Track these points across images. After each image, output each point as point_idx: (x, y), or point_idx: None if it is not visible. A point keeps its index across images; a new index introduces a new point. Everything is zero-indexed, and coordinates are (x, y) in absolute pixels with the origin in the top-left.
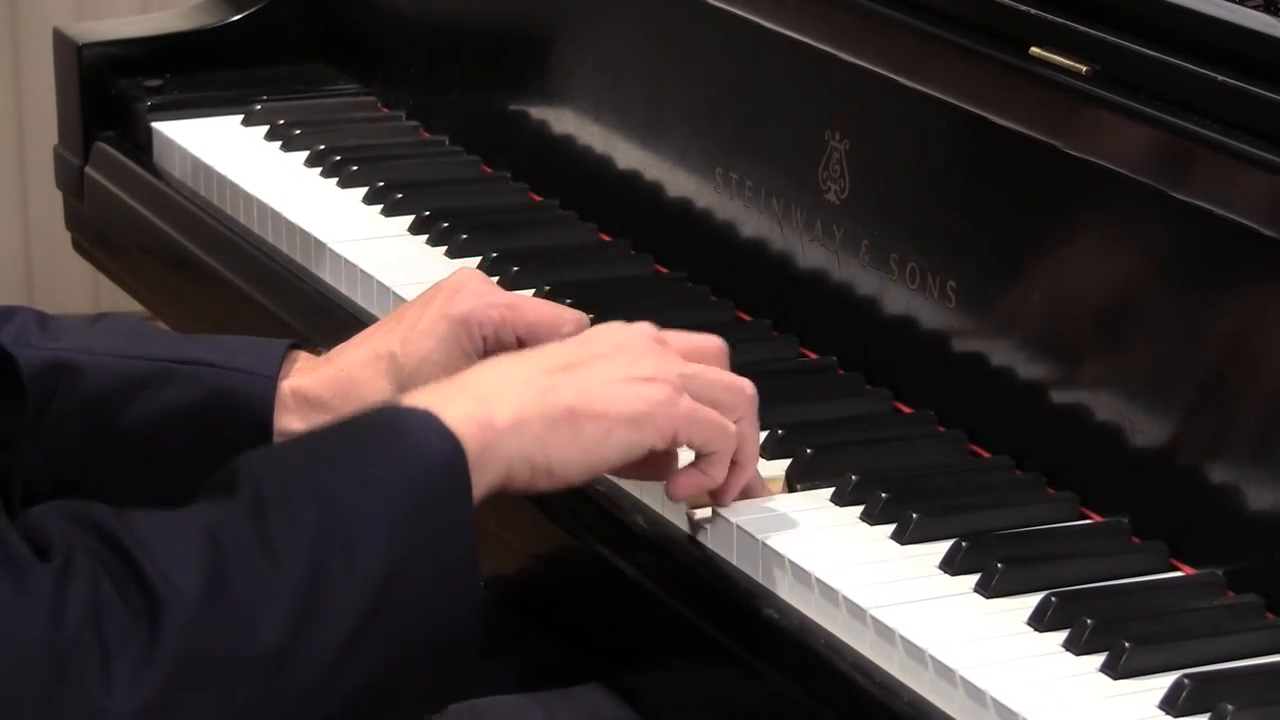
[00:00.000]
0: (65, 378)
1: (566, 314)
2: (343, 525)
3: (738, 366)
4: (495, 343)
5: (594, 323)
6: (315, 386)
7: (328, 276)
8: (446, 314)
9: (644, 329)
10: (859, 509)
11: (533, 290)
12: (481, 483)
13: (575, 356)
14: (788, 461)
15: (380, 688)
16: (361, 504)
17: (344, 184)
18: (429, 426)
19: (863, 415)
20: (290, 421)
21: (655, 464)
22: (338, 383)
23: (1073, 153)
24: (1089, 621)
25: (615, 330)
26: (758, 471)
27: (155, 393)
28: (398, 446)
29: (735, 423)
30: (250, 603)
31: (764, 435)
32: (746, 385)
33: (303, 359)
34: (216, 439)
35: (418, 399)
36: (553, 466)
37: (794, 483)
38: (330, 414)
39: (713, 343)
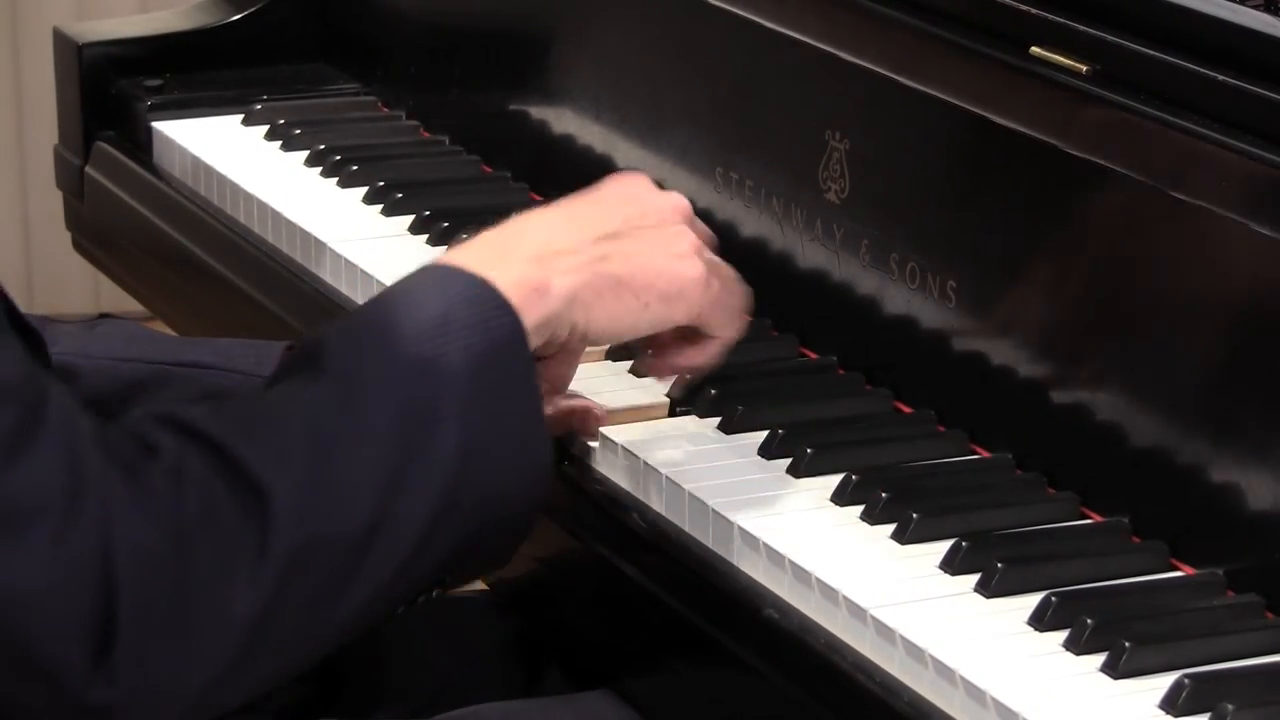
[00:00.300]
0: (66, 383)
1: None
2: (425, 395)
3: (738, 367)
4: None
5: None
6: None
7: (328, 276)
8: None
9: (680, 201)
10: (859, 509)
11: None
12: (535, 342)
13: (620, 222)
14: (788, 461)
15: (464, 550)
16: (440, 375)
17: (344, 183)
18: (491, 299)
19: (863, 415)
20: None
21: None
22: None
23: (1073, 152)
24: (1089, 621)
25: (653, 195)
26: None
27: (153, 395)
28: (467, 326)
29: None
30: (347, 484)
31: (764, 435)
32: (746, 287)
33: None
34: None
35: (466, 261)
36: (589, 330)
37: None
38: None
39: (711, 234)
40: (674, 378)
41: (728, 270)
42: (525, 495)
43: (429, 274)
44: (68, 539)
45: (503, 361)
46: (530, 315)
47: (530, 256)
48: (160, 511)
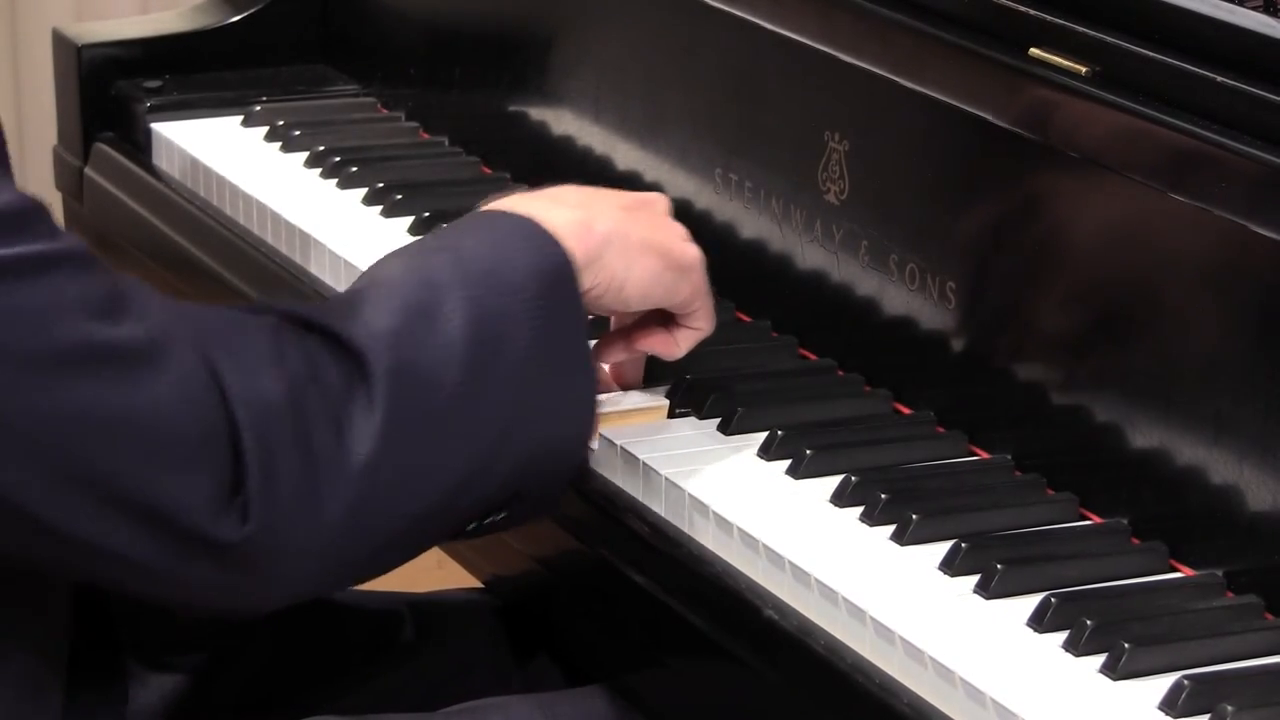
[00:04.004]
0: None
1: None
2: (491, 299)
3: (737, 368)
4: None
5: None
6: None
7: (327, 277)
8: None
9: (666, 198)
10: (859, 510)
11: None
12: (582, 280)
13: (631, 201)
14: (788, 462)
15: (527, 465)
16: (506, 285)
17: (343, 185)
18: (539, 232)
19: (862, 416)
20: None
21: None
22: None
23: (1072, 153)
24: (1088, 622)
25: (648, 194)
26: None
27: None
28: (522, 245)
29: None
30: (432, 352)
31: (764, 436)
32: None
33: None
34: None
35: (517, 206)
36: (625, 287)
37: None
38: None
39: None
40: (640, 368)
41: (703, 259)
42: (570, 429)
43: (476, 215)
44: (185, 379)
45: (557, 285)
46: (579, 251)
47: (576, 204)
48: (267, 365)
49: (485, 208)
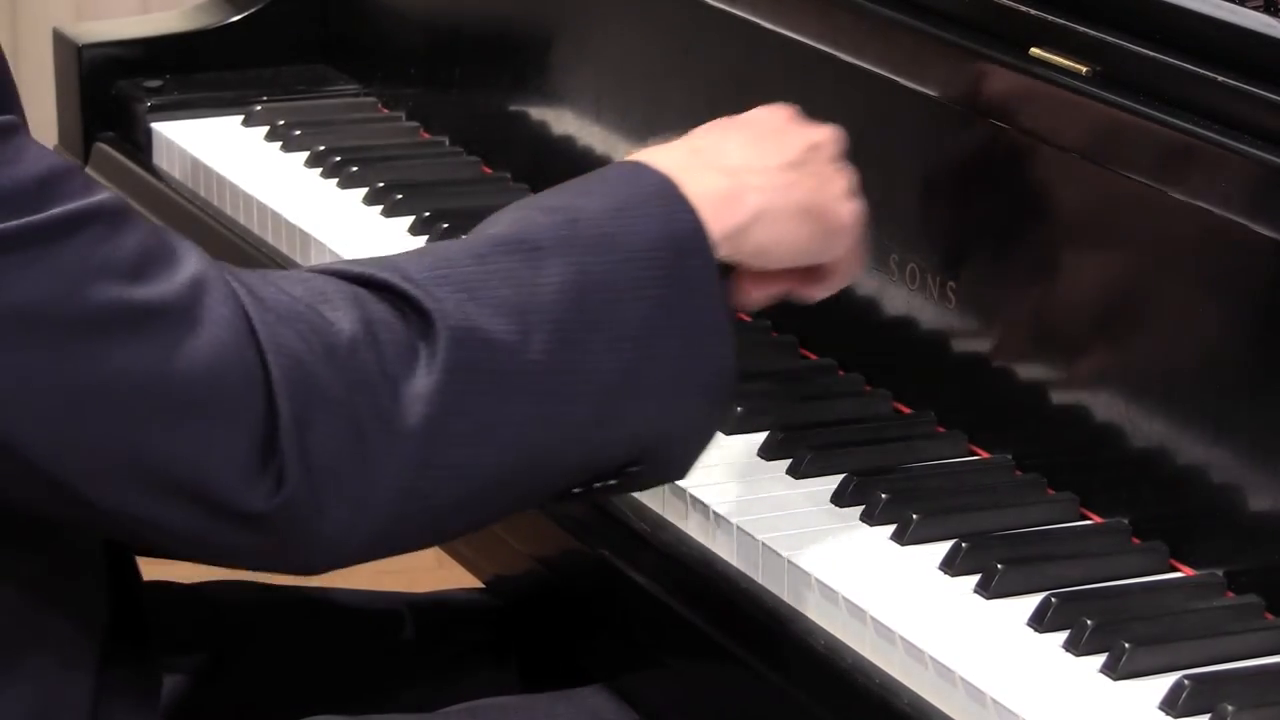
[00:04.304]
0: None
1: None
2: (599, 264)
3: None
4: None
5: None
6: None
7: None
8: None
9: (836, 134)
10: (859, 509)
11: None
12: (722, 251)
13: (800, 153)
14: (788, 462)
15: (644, 435)
16: (617, 251)
17: (344, 185)
18: (674, 196)
19: (863, 416)
20: None
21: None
22: None
23: (1073, 153)
24: (1089, 622)
25: (814, 128)
26: None
27: None
28: (648, 210)
29: None
30: (515, 316)
31: (764, 436)
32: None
33: None
34: None
35: (660, 161)
36: (769, 256)
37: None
38: None
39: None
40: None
41: (862, 213)
42: (697, 402)
43: (621, 166)
44: (220, 341)
45: (684, 255)
46: (719, 223)
47: (727, 169)
48: (315, 320)
49: (632, 157)
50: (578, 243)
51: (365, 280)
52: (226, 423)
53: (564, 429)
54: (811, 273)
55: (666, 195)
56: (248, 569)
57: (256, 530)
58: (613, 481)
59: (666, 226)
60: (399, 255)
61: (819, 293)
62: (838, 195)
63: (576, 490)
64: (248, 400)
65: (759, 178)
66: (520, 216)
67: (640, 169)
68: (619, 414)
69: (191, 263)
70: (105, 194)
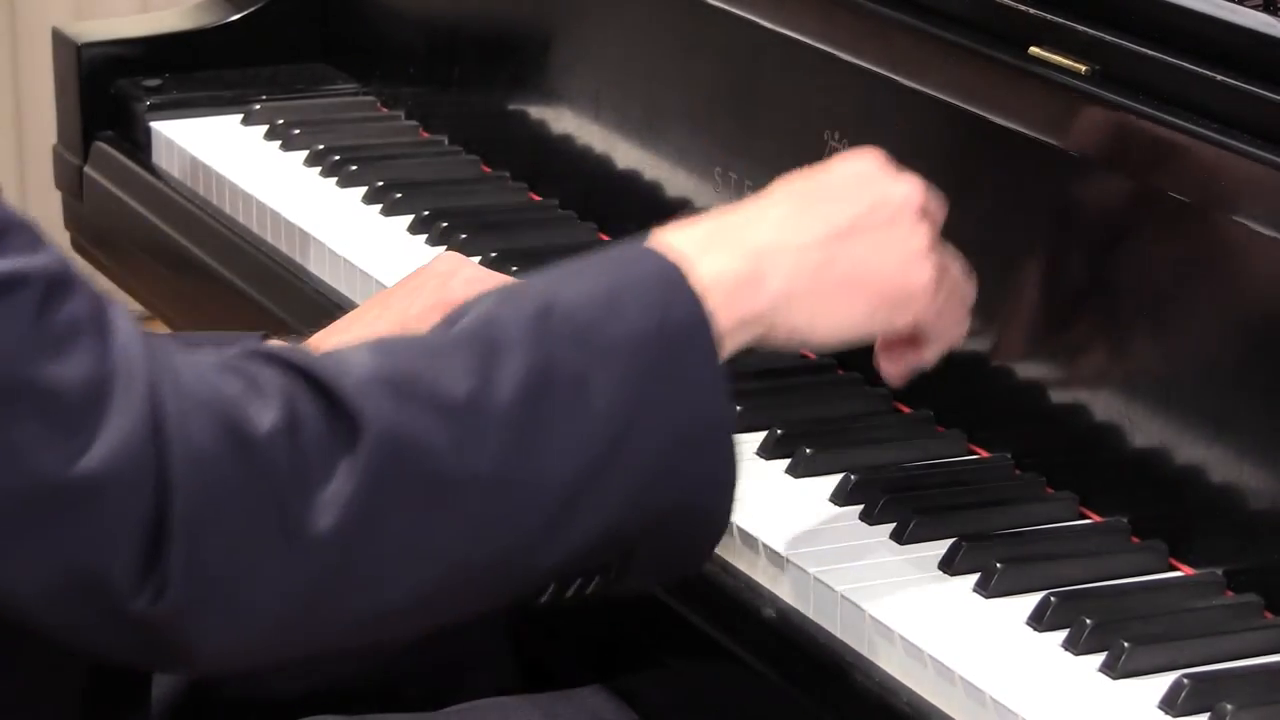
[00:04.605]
0: None
1: None
2: (570, 359)
3: (735, 367)
4: None
5: None
6: None
7: (326, 276)
8: (442, 301)
9: (913, 184)
10: (858, 509)
11: None
12: (737, 341)
13: (852, 218)
14: (786, 461)
15: (619, 540)
16: (593, 345)
17: (343, 183)
18: (677, 286)
19: (862, 414)
20: None
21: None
22: None
23: (1072, 152)
24: (1088, 621)
25: (887, 182)
26: None
27: None
28: (641, 303)
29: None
30: (459, 421)
31: (763, 435)
32: (970, 274)
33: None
34: None
35: (679, 241)
36: (813, 334)
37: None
38: None
39: (943, 206)
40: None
41: (958, 268)
42: (692, 500)
43: (626, 246)
44: (124, 435)
45: (676, 348)
46: (730, 310)
47: (751, 250)
48: (230, 414)
49: (652, 238)
50: (550, 335)
51: (303, 372)
52: (113, 521)
53: (508, 540)
54: (911, 337)
55: (666, 281)
56: (126, 666)
57: (136, 631)
58: (591, 587)
59: (660, 315)
60: (351, 349)
61: (921, 358)
62: (902, 259)
63: (544, 598)
64: (139, 500)
65: (789, 256)
66: (493, 304)
67: (644, 251)
68: (578, 522)
69: (117, 344)
70: (46, 258)
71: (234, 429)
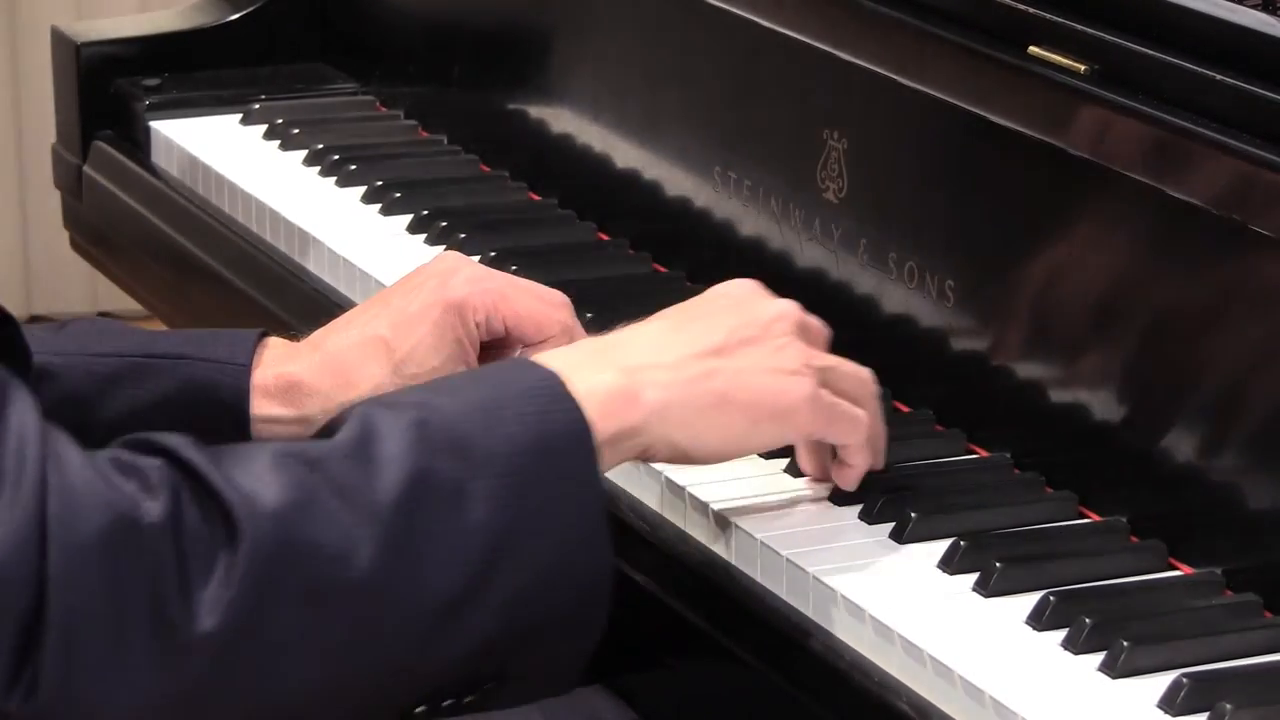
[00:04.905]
0: (40, 384)
1: (550, 320)
2: (450, 473)
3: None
4: (487, 329)
5: (594, 321)
6: (303, 372)
7: (326, 275)
8: (442, 299)
9: (787, 304)
10: (857, 508)
11: None
12: (618, 455)
13: (725, 337)
14: (785, 461)
15: (499, 650)
16: (473, 459)
17: (342, 183)
18: (557, 397)
19: None
20: (271, 408)
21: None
22: (328, 367)
23: (1072, 152)
24: (1087, 621)
25: (761, 302)
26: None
27: (130, 388)
28: (521, 413)
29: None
30: (339, 529)
31: None
32: (869, 375)
33: (278, 345)
34: (194, 430)
35: (556, 359)
36: (693, 450)
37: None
38: (320, 397)
39: (824, 329)
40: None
41: (846, 370)
42: (570, 610)
43: (506, 364)
44: (4, 535)
45: (555, 457)
46: (608, 424)
47: (626, 366)
48: (114, 513)
49: (532, 357)
50: (428, 445)
51: (192, 471)
52: None
53: (386, 648)
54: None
55: (545, 393)
56: None
57: None
58: (470, 698)
59: (539, 426)
60: (242, 449)
61: (848, 475)
62: (775, 375)
63: (420, 710)
64: (16, 598)
65: (663, 372)
66: (371, 414)
67: (523, 365)
68: (458, 631)
69: (10, 437)
70: None
71: (117, 529)
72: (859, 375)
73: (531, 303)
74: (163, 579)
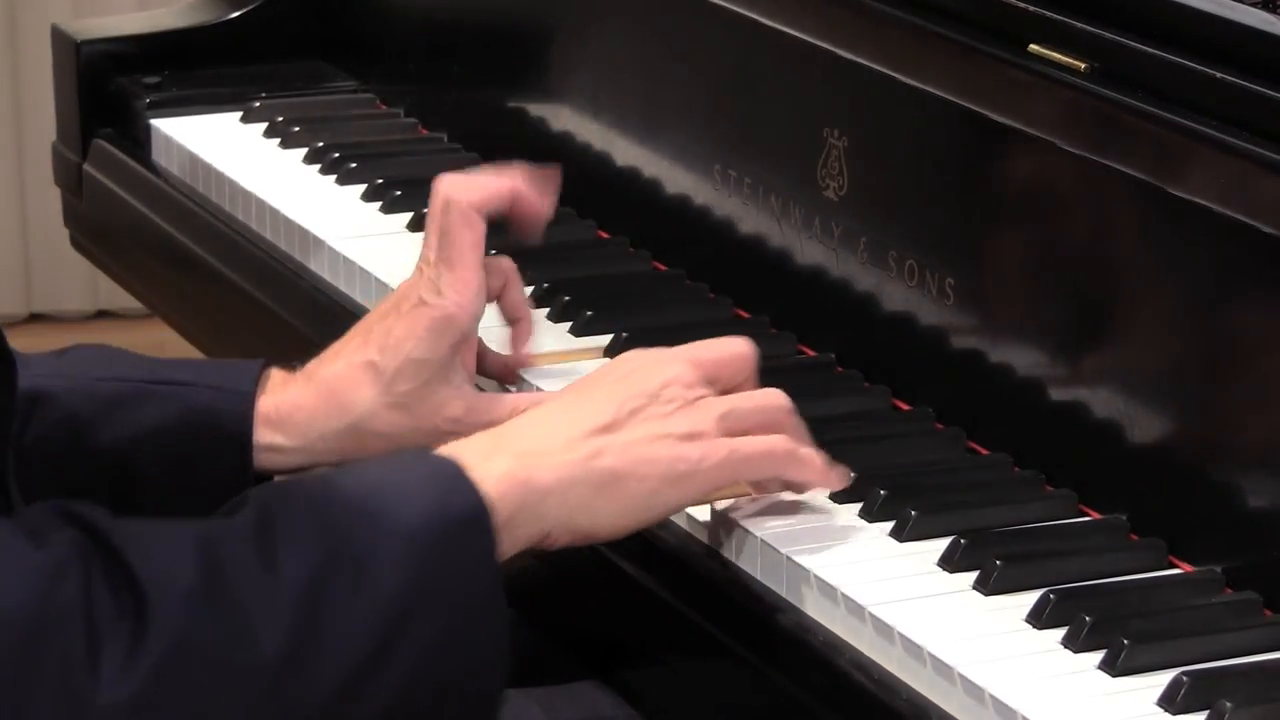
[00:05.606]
0: (39, 406)
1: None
2: (352, 550)
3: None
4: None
5: (594, 319)
6: (299, 400)
7: (326, 273)
8: (426, 314)
9: (678, 365)
10: (857, 506)
11: (530, 288)
12: (516, 540)
13: (615, 411)
14: None
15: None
16: (374, 537)
17: (342, 181)
18: (454, 481)
19: (861, 412)
20: (273, 437)
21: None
22: (321, 395)
23: (1072, 150)
24: (1087, 619)
25: (650, 370)
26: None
27: (131, 412)
28: (417, 495)
29: (783, 435)
30: (245, 607)
31: None
32: (777, 398)
33: (279, 375)
34: (194, 458)
35: (454, 449)
36: (595, 528)
37: None
38: (317, 424)
39: (740, 349)
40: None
41: (748, 407)
42: (469, 683)
43: (407, 452)
44: None
45: (455, 537)
46: (504, 506)
47: (519, 451)
48: (26, 579)
49: (438, 450)
50: (332, 524)
51: (105, 547)
52: None
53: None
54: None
55: (446, 475)
56: None
57: None
58: None
59: (439, 507)
60: (153, 524)
61: (804, 489)
62: (671, 438)
63: None
64: None
65: (554, 456)
66: (276, 494)
67: (423, 453)
68: (359, 706)
69: None
70: None
71: (28, 601)
72: (766, 404)
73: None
74: (71, 653)
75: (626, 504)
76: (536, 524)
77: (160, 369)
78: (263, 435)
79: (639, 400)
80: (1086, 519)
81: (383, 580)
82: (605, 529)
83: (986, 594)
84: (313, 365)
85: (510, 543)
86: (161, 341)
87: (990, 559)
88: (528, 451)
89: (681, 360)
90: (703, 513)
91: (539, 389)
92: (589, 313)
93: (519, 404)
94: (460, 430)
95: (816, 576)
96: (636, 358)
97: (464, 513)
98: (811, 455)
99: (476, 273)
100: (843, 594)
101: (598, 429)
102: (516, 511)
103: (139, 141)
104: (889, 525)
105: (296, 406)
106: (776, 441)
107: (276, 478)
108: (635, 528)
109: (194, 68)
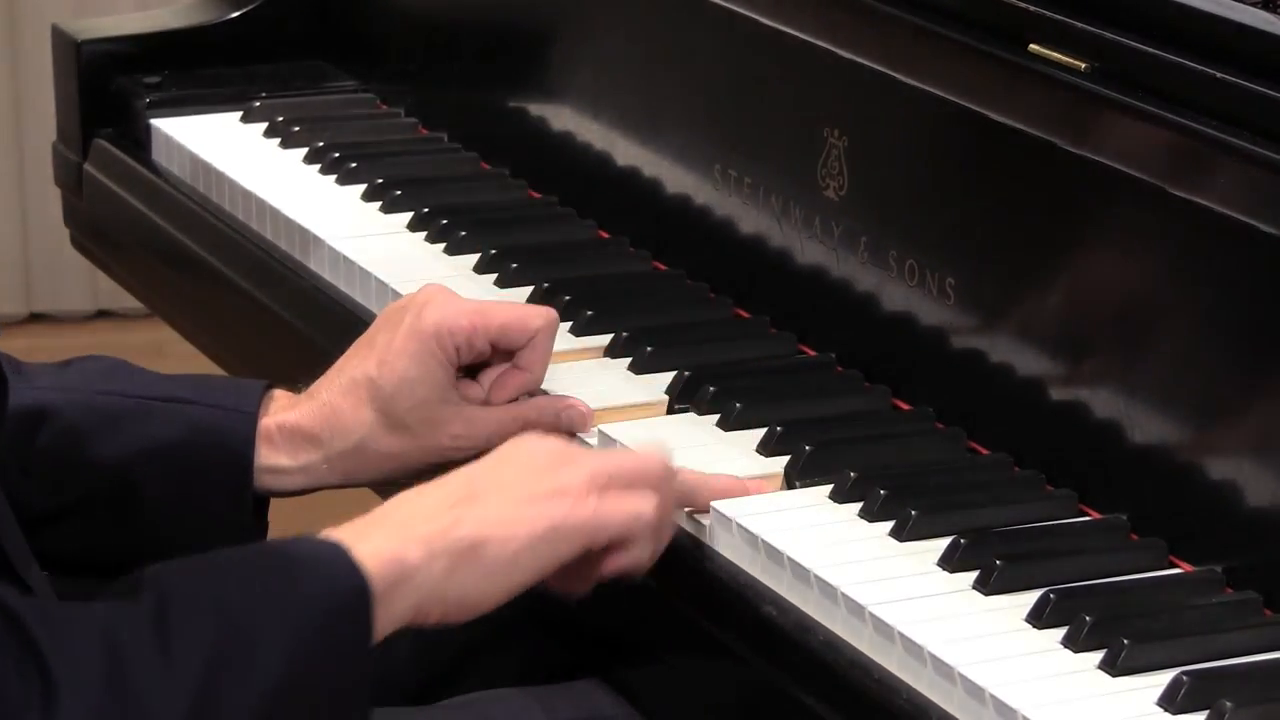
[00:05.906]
0: (43, 418)
1: (533, 313)
2: (242, 638)
3: (736, 364)
4: (469, 352)
5: (594, 319)
6: (301, 420)
7: (326, 273)
8: (416, 330)
9: (553, 442)
10: (857, 506)
11: (531, 287)
12: (392, 617)
13: (479, 484)
14: (786, 458)
15: None
16: (262, 622)
17: (342, 181)
18: (337, 561)
19: (861, 412)
20: (276, 457)
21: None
22: (323, 415)
23: (1072, 150)
24: (1087, 618)
25: (523, 448)
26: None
27: (134, 428)
28: (304, 576)
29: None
30: (148, 701)
31: (763, 432)
32: (653, 460)
33: (282, 396)
34: (195, 477)
35: (337, 531)
36: (465, 599)
37: (793, 480)
38: (319, 446)
39: (651, 465)
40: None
41: (618, 464)
42: None
43: (290, 539)
44: None
45: (339, 617)
46: (381, 583)
47: (393, 528)
48: None
49: (316, 535)
50: (220, 612)
51: (18, 629)
52: None
53: None
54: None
55: (330, 560)
56: None
57: None
58: None
59: (329, 591)
60: (64, 608)
61: (637, 555)
62: (530, 501)
63: None
64: None
65: (420, 527)
66: (170, 581)
67: (308, 537)
68: None
69: None
70: None
71: None
72: (639, 467)
73: (508, 309)
74: None
75: (490, 570)
76: (409, 599)
77: (163, 385)
78: (265, 457)
79: (504, 473)
80: (1086, 519)
81: (270, 666)
82: (474, 599)
83: (986, 594)
84: (316, 385)
85: (386, 620)
86: (161, 341)
87: (990, 559)
88: (400, 527)
89: (556, 440)
90: (703, 512)
91: (545, 393)
92: (589, 313)
93: (523, 413)
94: (463, 446)
95: (816, 576)
96: (517, 441)
97: (349, 594)
98: (674, 524)
99: (485, 303)
100: (843, 594)
101: (458, 501)
102: (390, 589)
103: (139, 141)
104: (889, 525)
105: (299, 428)
106: (645, 504)
107: (274, 498)
108: (505, 595)
109: (194, 68)
